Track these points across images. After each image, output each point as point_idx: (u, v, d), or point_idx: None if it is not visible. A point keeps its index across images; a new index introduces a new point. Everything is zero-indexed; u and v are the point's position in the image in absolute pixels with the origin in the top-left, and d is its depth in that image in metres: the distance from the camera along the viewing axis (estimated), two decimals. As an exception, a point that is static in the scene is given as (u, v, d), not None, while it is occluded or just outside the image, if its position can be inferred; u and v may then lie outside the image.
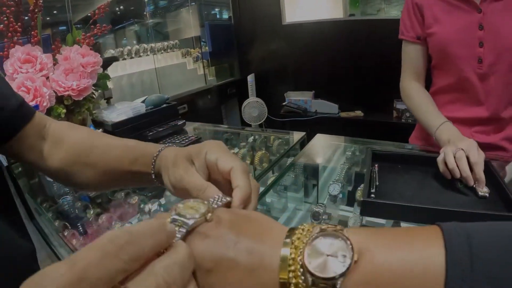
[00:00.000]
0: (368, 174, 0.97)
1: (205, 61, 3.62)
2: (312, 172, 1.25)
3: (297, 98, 3.54)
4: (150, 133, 1.53)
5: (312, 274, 0.28)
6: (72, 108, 1.36)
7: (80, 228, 1.12)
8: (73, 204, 1.22)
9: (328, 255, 0.29)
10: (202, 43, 3.73)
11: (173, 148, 0.57)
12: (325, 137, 1.43)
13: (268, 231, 0.34)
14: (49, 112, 1.30)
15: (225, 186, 0.47)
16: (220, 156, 0.48)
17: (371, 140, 1.38)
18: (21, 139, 0.67)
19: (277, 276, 0.30)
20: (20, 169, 1.41)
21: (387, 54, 3.00)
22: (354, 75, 3.30)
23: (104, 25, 1.55)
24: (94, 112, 1.50)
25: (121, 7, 3.34)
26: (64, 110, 1.31)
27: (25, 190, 1.26)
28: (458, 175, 0.92)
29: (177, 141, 1.45)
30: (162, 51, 3.23)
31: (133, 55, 2.92)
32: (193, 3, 3.69)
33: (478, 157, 0.92)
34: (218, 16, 4.31)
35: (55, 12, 2.54)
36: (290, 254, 0.30)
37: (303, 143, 1.43)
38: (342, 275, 0.27)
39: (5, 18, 1.29)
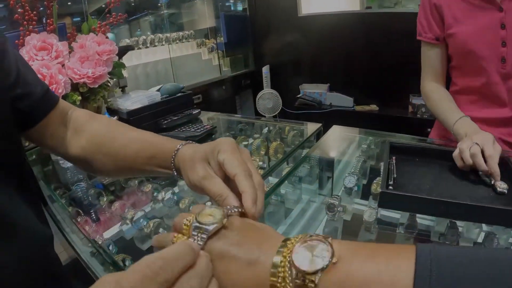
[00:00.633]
0: (386, 166, 0.95)
1: (220, 52, 3.61)
2: (327, 164, 1.24)
3: (312, 90, 3.51)
4: (165, 122, 1.52)
5: (296, 268, 0.32)
6: (87, 96, 1.36)
7: (93, 215, 1.13)
8: (86, 191, 1.23)
9: (313, 255, 0.33)
10: (208, 35, 3.72)
11: (191, 146, 0.59)
12: (341, 129, 1.41)
13: (268, 239, 0.39)
14: (64, 99, 1.30)
15: (235, 184, 0.49)
16: (227, 158, 0.50)
17: (388, 133, 1.36)
18: (44, 125, 0.68)
19: (269, 274, 0.34)
20: (34, 156, 1.42)
21: (403, 48, 2.96)
22: (370, 69, 3.25)
23: (120, 14, 1.55)
24: (109, 100, 1.50)
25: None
26: (79, 98, 1.31)
27: (39, 177, 1.27)
28: (476, 168, 0.90)
29: (192, 130, 1.45)
30: (177, 41, 3.22)
31: (148, 45, 2.92)
32: (208, -6, 3.67)
33: (494, 151, 0.90)
34: (232, 8, 4.29)
35: (69, 3, 2.56)
36: (281, 262, 0.34)
37: (318, 134, 1.42)
38: (321, 270, 0.32)
39: (21, 7, 1.29)
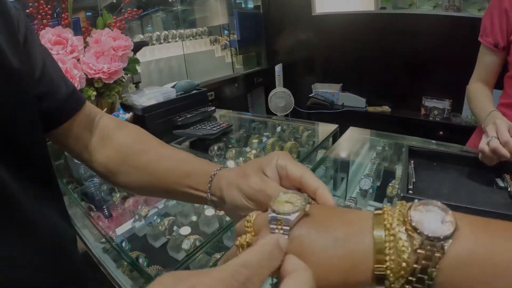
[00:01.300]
0: (406, 170, 0.94)
1: (233, 49, 3.60)
2: (342, 166, 1.22)
3: (324, 90, 3.49)
4: (180, 119, 1.52)
5: (420, 234, 0.29)
6: (102, 91, 1.36)
7: (106, 211, 1.13)
8: (99, 187, 1.23)
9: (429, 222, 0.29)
10: (225, 31, 3.71)
11: (231, 168, 0.56)
12: (358, 131, 1.39)
13: (358, 216, 0.35)
14: (79, 94, 1.30)
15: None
16: (289, 163, 0.47)
17: (403, 136, 1.34)
18: (68, 128, 0.65)
19: (372, 253, 0.31)
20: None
21: (417, 49, 2.95)
22: (383, 70, 3.22)
23: (134, 9, 1.54)
24: (123, 95, 1.50)
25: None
26: (94, 93, 1.31)
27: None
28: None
29: (208, 128, 1.44)
30: (191, 37, 3.22)
31: (161, 41, 2.92)
32: (221, -9, 3.66)
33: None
34: (243, 5, 4.28)
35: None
36: (385, 236, 0.30)
37: (334, 136, 1.40)
38: (448, 237, 0.28)
39: (35, 1, 1.29)
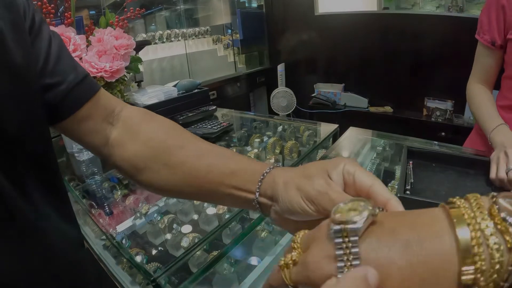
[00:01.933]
0: (404, 171, 0.94)
1: (235, 49, 3.61)
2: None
3: (326, 90, 3.49)
4: (181, 118, 1.53)
5: None
6: (105, 90, 1.37)
7: (107, 208, 1.13)
8: (100, 184, 1.24)
9: None
10: (229, 30, 3.72)
11: (285, 168, 0.49)
12: (358, 131, 1.40)
13: (429, 214, 0.29)
14: (82, 92, 1.31)
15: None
16: (358, 170, 0.42)
17: (404, 136, 1.35)
18: (81, 119, 0.58)
19: (456, 260, 0.25)
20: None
21: (420, 50, 2.95)
22: (386, 70, 3.22)
23: (137, 8, 1.55)
24: (125, 94, 1.51)
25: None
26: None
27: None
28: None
29: (209, 126, 1.45)
30: (193, 36, 3.23)
31: (164, 40, 2.93)
32: (224, -10, 3.67)
33: None
34: (247, 5, 4.29)
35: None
36: (472, 239, 0.25)
37: (334, 135, 1.41)
38: None
39: (39, 0, 1.30)
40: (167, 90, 1.58)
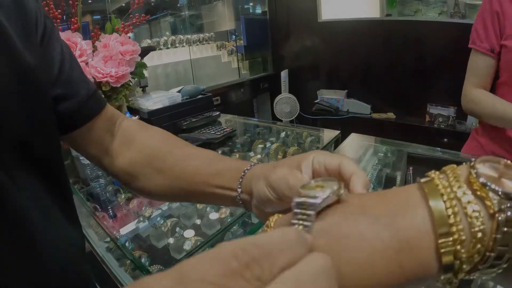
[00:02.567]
0: (403, 177, 0.95)
1: (239, 55, 3.63)
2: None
3: (329, 96, 3.50)
4: (185, 123, 1.55)
5: (496, 192, 0.23)
6: (110, 95, 1.39)
7: (110, 211, 1.15)
8: (104, 188, 1.25)
9: (500, 177, 0.24)
10: (233, 36, 3.74)
11: (264, 163, 0.51)
12: (359, 137, 1.41)
13: (402, 193, 0.28)
14: (87, 97, 1.33)
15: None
16: (328, 157, 0.42)
17: (405, 143, 1.35)
18: (87, 131, 0.61)
19: (431, 232, 0.24)
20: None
21: (423, 56, 2.95)
22: (388, 76, 3.23)
23: (142, 15, 1.57)
24: (130, 99, 1.53)
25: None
26: (102, 96, 1.33)
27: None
28: None
29: (212, 132, 1.46)
30: (198, 43, 3.26)
31: (169, 46, 2.96)
32: (228, -4, 3.70)
33: None
34: (251, 11, 4.31)
35: (90, 1, 2.61)
36: (447, 209, 0.23)
37: (336, 141, 1.42)
38: None
39: (46, 5, 1.32)
40: (171, 96, 1.60)
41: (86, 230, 1.18)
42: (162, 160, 0.61)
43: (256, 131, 1.68)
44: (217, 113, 1.71)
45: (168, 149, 0.62)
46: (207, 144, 1.42)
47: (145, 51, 1.62)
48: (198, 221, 1.06)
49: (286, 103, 3.34)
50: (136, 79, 1.57)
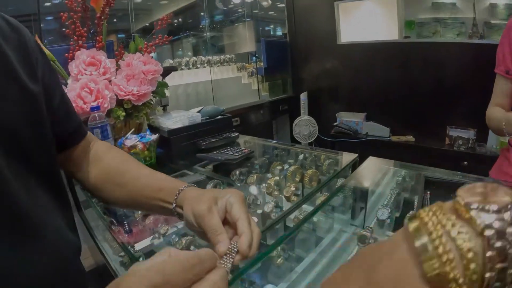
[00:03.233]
0: (420, 201, 0.94)
1: (259, 76, 3.67)
2: (361, 195, 1.22)
3: (348, 119, 3.50)
4: (204, 143, 1.56)
5: (486, 210, 0.23)
6: (131, 112, 1.41)
7: (126, 226, 1.15)
8: (121, 203, 1.26)
9: (485, 198, 0.24)
10: (254, 58, 3.79)
11: (198, 188, 0.67)
12: (377, 160, 1.39)
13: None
14: (109, 113, 1.36)
15: (233, 230, 0.56)
16: (236, 203, 0.57)
17: (424, 167, 1.33)
18: (70, 153, 0.77)
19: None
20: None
21: (442, 78, 2.93)
22: (408, 98, 3.22)
23: (165, 36, 1.61)
24: (151, 117, 1.55)
25: (179, 19, 3.47)
26: (123, 113, 1.36)
27: (76, 183, 1.32)
28: None
29: (230, 153, 1.46)
30: (219, 64, 3.30)
31: (190, 66, 3.01)
32: (249, 19, 3.76)
33: None
34: (272, 33, 4.37)
35: (114, 20, 2.68)
36: (433, 241, 0.24)
37: (354, 165, 1.41)
38: None
39: (72, 23, 1.37)
40: (191, 116, 1.62)
41: (102, 244, 1.19)
42: (119, 177, 0.76)
43: (274, 152, 1.68)
44: (236, 134, 1.72)
45: (125, 168, 0.78)
46: (225, 165, 1.43)
47: (167, 71, 1.65)
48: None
49: (305, 125, 3.34)
50: (157, 98, 1.59)
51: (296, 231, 1.01)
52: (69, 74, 1.34)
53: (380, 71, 3.32)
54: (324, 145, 3.45)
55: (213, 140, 1.60)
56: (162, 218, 1.16)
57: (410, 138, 3.19)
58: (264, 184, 1.30)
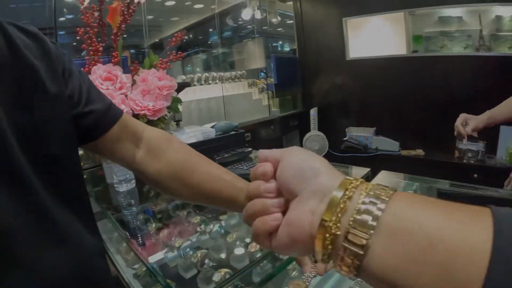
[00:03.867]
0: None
1: (270, 92, 3.70)
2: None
3: (358, 133, 3.50)
4: (218, 158, 1.58)
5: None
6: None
7: (140, 239, 1.17)
8: (136, 216, 1.28)
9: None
10: (262, 74, 3.83)
11: None
12: (389, 174, 1.40)
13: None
14: (124, 128, 1.38)
15: None
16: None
17: (436, 179, 1.34)
18: (109, 139, 0.71)
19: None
20: (85, 176, 1.50)
21: (450, 91, 2.92)
22: (416, 113, 3.21)
23: (179, 52, 1.64)
24: (165, 132, 1.57)
25: (190, 35, 3.53)
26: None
27: (90, 194, 1.34)
28: None
29: (245, 168, 1.49)
30: (230, 80, 3.34)
31: (202, 82, 3.05)
32: (259, 35, 3.81)
33: None
34: (279, 49, 4.41)
35: (125, 36, 2.74)
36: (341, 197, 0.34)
37: (366, 179, 1.41)
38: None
39: (88, 38, 1.40)
40: (205, 131, 1.64)
41: (115, 256, 1.20)
42: (186, 177, 0.71)
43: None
44: (249, 149, 1.73)
45: (192, 167, 0.72)
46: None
47: (181, 87, 1.68)
48: (225, 254, 1.07)
49: (315, 140, 3.35)
50: (171, 113, 1.62)
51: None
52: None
53: (389, 86, 3.33)
54: (334, 160, 3.43)
55: (226, 155, 1.62)
56: (176, 232, 1.17)
57: (420, 152, 3.18)
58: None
